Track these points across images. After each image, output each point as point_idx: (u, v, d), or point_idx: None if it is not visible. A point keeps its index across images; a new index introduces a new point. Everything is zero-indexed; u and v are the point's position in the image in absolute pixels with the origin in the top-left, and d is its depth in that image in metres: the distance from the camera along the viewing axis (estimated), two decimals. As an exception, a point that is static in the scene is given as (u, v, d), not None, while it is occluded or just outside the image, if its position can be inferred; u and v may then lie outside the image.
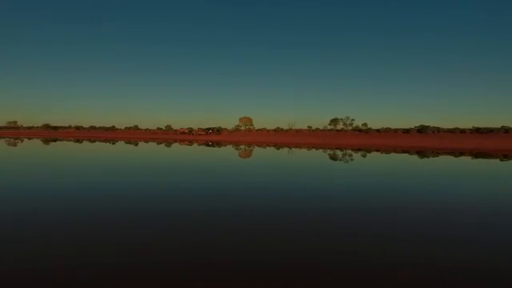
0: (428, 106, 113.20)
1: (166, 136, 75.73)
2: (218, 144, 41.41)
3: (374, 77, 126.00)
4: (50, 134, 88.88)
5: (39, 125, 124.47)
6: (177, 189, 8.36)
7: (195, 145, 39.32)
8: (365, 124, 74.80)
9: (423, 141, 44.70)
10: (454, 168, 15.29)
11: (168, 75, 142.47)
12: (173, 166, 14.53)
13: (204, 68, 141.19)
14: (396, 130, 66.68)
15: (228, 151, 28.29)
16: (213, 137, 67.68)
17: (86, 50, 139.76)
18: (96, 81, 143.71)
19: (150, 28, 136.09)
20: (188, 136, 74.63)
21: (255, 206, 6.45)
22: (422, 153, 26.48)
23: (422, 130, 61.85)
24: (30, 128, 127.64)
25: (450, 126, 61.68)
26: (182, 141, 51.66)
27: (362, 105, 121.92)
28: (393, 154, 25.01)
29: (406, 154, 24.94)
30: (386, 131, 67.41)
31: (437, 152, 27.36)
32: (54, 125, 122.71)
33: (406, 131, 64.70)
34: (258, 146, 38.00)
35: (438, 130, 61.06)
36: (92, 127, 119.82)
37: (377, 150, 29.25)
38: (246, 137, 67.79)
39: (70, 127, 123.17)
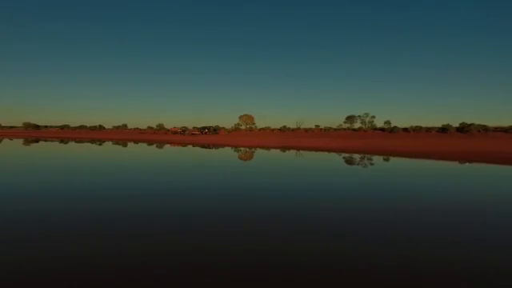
0: (470, 101, 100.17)
1: (154, 136, 64.23)
2: (215, 146, 30.16)
3: (396, 69, 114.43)
4: (31, 134, 77.83)
5: (20, 124, 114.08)
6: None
7: (181, 146, 28.21)
8: (388, 122, 63.31)
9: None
10: None
11: (165, 74, 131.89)
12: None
13: (202, 66, 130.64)
14: (429, 130, 55.16)
15: (223, 160, 17.11)
16: (209, 137, 56.17)
17: (78, 50, 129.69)
18: (88, 80, 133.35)
19: (144, 27, 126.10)
20: (179, 136, 63.15)
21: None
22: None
23: (463, 128, 50.33)
24: (11, 128, 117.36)
25: (499, 124, 50.28)
26: (166, 142, 40.40)
27: (383, 101, 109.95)
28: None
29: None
30: (416, 130, 55.90)
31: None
32: (40, 124, 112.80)
33: (443, 130, 53.19)
34: (264, 148, 26.75)
35: (484, 128, 49.48)
36: (82, 126, 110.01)
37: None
38: (246, 137, 56.39)
39: (51, 127, 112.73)
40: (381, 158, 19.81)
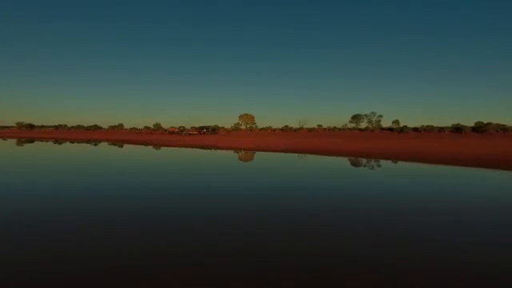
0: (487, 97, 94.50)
1: (147, 137, 60.72)
2: (213, 148, 26.72)
3: (402, 68, 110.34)
4: (23, 134, 74.41)
5: (13, 124, 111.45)
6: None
7: (167, 148, 24.81)
8: (396, 121, 59.91)
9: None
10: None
11: (165, 73, 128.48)
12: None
13: (202, 65, 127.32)
14: (442, 129, 51.77)
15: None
16: (207, 137, 52.69)
17: (76, 50, 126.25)
18: (86, 80, 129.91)
19: (141, 27, 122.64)
20: (175, 136, 59.65)
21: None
22: None
23: (480, 128, 46.90)
24: (4, 128, 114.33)
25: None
26: (154, 143, 36.97)
27: (389, 99, 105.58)
28: None
29: None
30: (428, 130, 52.49)
31: None
32: (36, 124, 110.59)
33: (456, 130, 49.77)
34: (271, 152, 23.29)
35: (503, 128, 46.03)
36: (78, 126, 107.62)
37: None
38: (247, 138, 52.93)
39: (46, 126, 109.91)
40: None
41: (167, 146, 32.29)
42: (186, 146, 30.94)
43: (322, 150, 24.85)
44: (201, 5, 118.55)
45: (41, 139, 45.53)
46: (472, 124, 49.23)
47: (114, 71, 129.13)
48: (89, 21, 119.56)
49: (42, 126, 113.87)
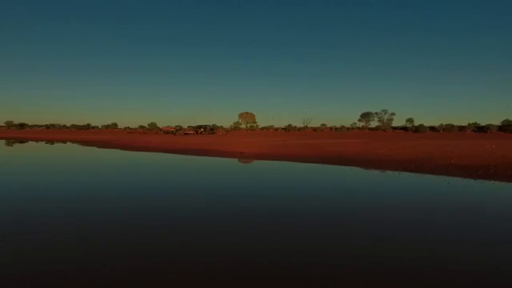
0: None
1: (139, 136, 55.82)
2: (201, 153, 21.77)
3: (419, 59, 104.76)
4: (11, 133, 69.63)
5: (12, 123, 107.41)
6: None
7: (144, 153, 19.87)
8: (410, 120, 55.04)
9: None
10: None
11: (165, 73, 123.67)
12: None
13: (202, 64, 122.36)
14: (463, 128, 46.97)
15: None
16: (203, 138, 47.68)
17: (75, 50, 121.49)
18: (85, 79, 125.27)
19: (141, 26, 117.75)
20: (167, 137, 54.67)
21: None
22: None
23: (508, 127, 42.14)
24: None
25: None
26: (129, 145, 32.06)
27: (403, 95, 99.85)
28: None
29: None
30: (447, 130, 47.66)
31: None
32: (31, 123, 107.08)
33: (480, 129, 44.98)
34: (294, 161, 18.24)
35: (535, 127, 41.28)
36: (73, 125, 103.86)
37: None
38: (248, 138, 47.97)
39: (35, 126, 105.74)
40: None
41: (137, 148, 27.42)
42: (162, 151, 26.08)
43: (368, 158, 19.75)
44: (201, 5, 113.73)
45: (23, 139, 41.14)
46: (496, 122, 44.54)
47: (113, 70, 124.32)
48: (87, 21, 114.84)
49: (35, 125, 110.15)
